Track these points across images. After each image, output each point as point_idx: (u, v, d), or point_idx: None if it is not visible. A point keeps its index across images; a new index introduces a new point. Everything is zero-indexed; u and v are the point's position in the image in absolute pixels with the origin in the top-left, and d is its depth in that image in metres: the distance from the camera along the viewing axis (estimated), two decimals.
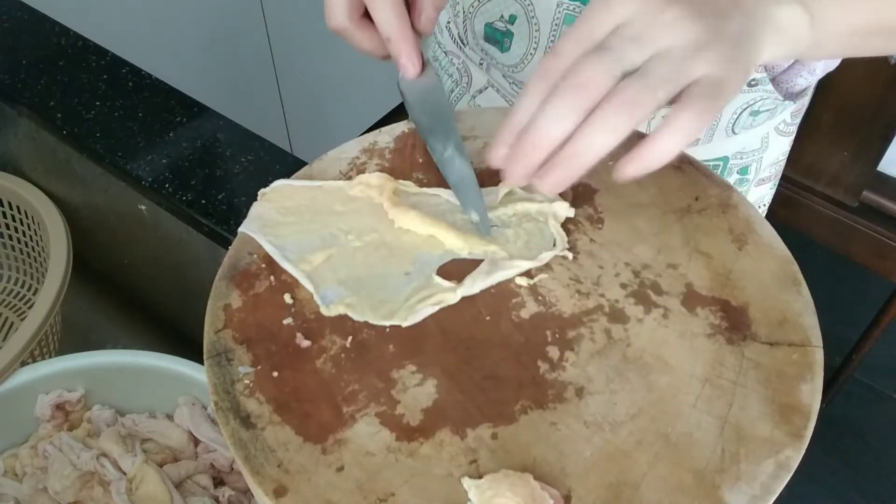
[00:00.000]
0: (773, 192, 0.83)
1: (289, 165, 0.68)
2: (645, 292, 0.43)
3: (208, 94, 0.84)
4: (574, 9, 0.64)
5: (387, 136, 0.52)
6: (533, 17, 0.66)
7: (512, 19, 0.67)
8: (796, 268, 0.44)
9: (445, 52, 0.79)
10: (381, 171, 0.50)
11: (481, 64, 0.76)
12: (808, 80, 0.70)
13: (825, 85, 1.21)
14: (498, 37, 0.69)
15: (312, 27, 1.67)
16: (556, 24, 0.65)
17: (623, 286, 0.43)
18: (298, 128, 1.81)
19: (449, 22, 0.76)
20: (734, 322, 0.41)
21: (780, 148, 0.77)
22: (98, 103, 0.74)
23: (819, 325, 0.41)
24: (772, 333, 0.41)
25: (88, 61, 0.78)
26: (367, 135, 0.52)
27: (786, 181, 1.44)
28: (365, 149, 0.51)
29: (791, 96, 0.72)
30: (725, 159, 0.74)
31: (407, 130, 0.52)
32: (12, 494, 0.66)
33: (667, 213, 0.47)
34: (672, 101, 0.39)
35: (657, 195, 0.47)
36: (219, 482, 0.68)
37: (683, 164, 0.49)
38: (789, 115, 0.75)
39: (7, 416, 0.67)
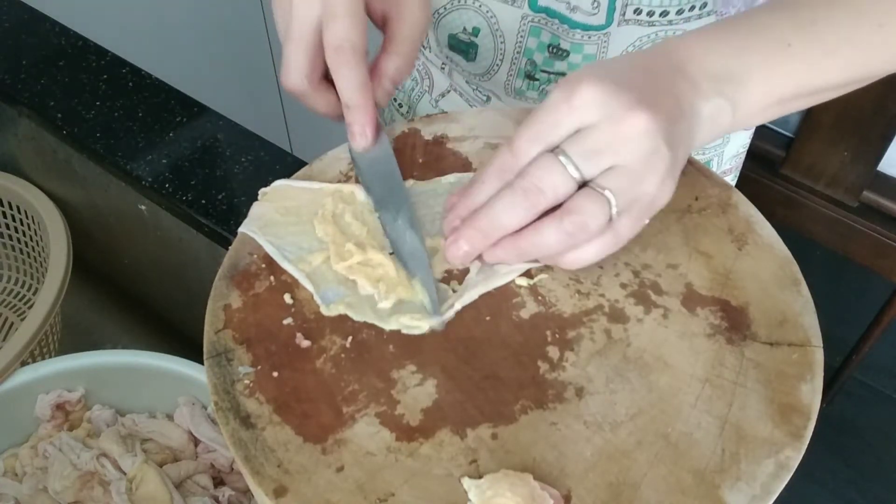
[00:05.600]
0: (735, 182, 0.83)
1: (289, 165, 0.68)
2: (645, 292, 0.43)
3: (208, 94, 0.84)
4: (539, 20, 0.63)
5: (386, 137, 0.52)
6: (497, 30, 0.65)
7: (475, 31, 0.66)
8: (796, 268, 0.44)
9: None
10: None
11: (443, 68, 0.75)
12: None
13: None
14: (462, 47, 0.68)
15: None
16: (521, 36, 0.64)
17: (623, 286, 0.43)
18: (298, 128, 1.80)
19: None
20: (734, 322, 0.41)
21: (739, 141, 0.78)
22: (98, 103, 0.74)
23: (819, 325, 0.41)
24: (772, 333, 0.41)
25: (88, 61, 0.78)
26: None
27: (786, 181, 1.44)
28: None
29: None
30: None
31: (407, 130, 0.52)
32: (12, 494, 0.66)
33: (667, 213, 0.46)
34: None
35: None
36: (219, 482, 0.68)
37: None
38: None
39: (7, 416, 0.67)
